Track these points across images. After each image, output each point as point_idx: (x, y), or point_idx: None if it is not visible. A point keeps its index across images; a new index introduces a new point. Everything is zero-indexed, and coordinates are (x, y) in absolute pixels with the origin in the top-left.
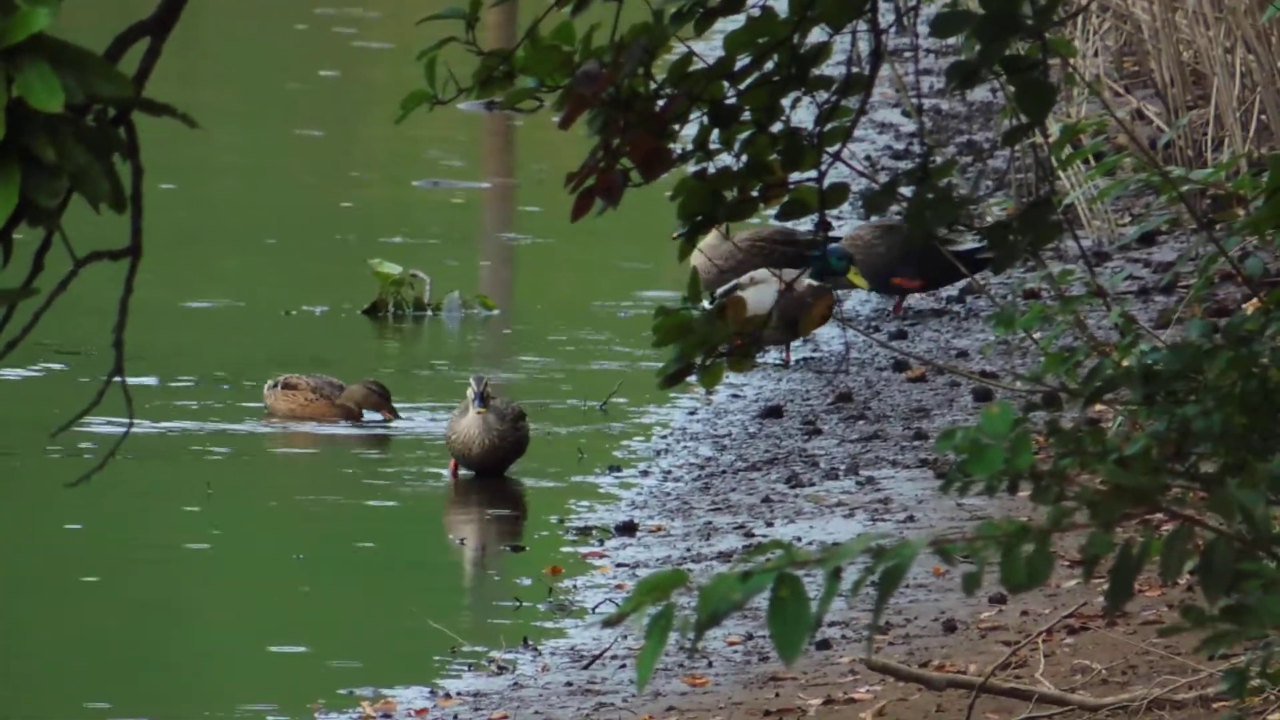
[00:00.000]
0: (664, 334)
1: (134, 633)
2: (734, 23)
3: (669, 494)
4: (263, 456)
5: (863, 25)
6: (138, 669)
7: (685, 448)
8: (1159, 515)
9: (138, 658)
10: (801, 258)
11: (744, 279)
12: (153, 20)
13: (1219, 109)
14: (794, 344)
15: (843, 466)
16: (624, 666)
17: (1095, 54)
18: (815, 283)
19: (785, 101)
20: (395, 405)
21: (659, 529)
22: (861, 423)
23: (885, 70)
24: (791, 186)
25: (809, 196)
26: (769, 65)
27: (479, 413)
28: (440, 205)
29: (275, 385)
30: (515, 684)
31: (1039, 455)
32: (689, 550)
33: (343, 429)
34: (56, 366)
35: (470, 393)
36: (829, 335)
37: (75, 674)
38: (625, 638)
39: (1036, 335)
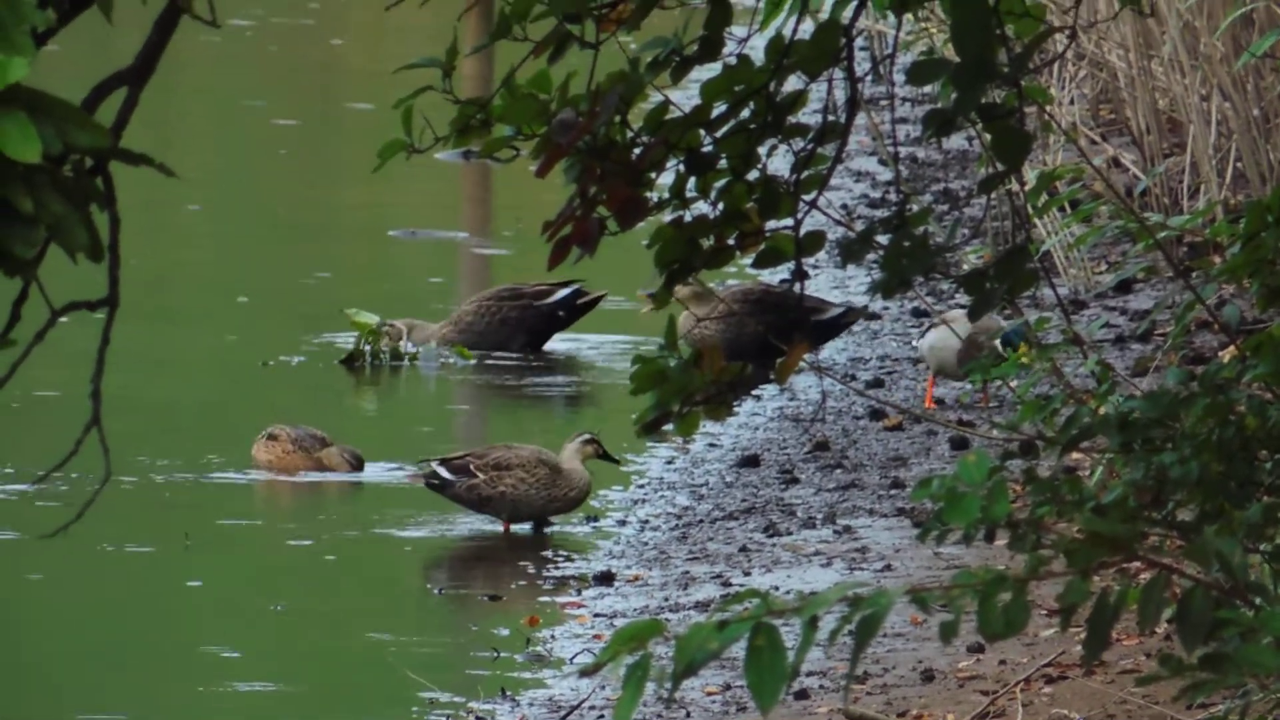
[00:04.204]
0: (641, 382)
1: (107, 682)
2: (710, 71)
3: (646, 543)
4: (240, 507)
5: (839, 73)
6: (105, 714)
7: (662, 497)
8: (1136, 563)
9: (106, 705)
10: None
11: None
12: (130, 70)
13: (1195, 156)
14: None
15: (820, 515)
16: (602, 717)
17: (1071, 101)
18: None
19: (761, 149)
20: (375, 457)
21: (637, 578)
22: (839, 471)
23: (861, 118)
24: (768, 234)
25: (785, 244)
26: (745, 113)
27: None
28: (417, 254)
29: (263, 435)
30: None
31: (1016, 503)
32: (666, 600)
33: (320, 478)
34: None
35: (594, 449)
36: (806, 384)
37: (53, 711)
38: (603, 688)
39: (1013, 383)
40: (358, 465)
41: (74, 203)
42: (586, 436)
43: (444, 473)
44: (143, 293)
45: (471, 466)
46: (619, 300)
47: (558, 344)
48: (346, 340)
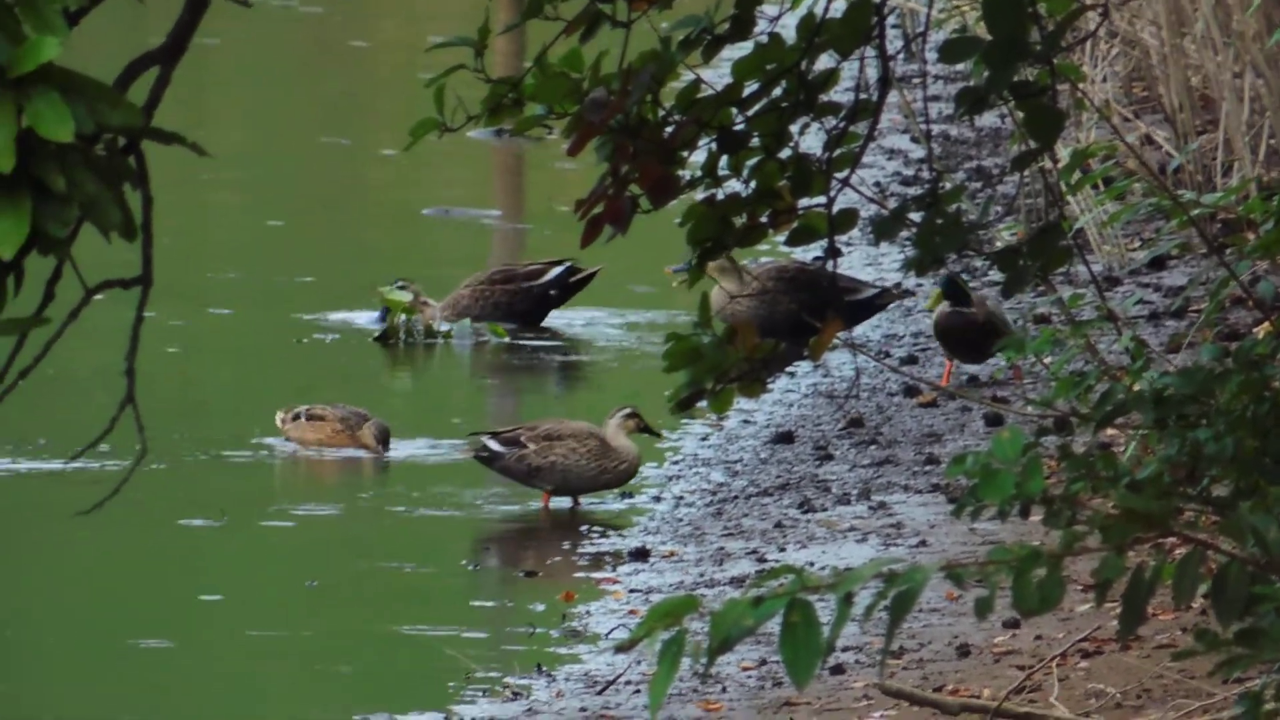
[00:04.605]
0: (675, 359)
1: (141, 658)
2: (742, 50)
3: (681, 519)
4: (275, 484)
5: (871, 51)
6: (145, 693)
7: (697, 473)
8: (1171, 539)
9: (146, 684)
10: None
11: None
12: (162, 49)
13: (1228, 134)
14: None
15: (854, 492)
16: (638, 692)
17: (1104, 79)
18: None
19: (794, 128)
20: (410, 434)
21: (672, 554)
22: (873, 448)
23: (894, 96)
24: (800, 212)
25: (818, 222)
26: (777, 91)
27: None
28: (450, 232)
29: (298, 415)
30: (529, 709)
31: (1050, 479)
32: (702, 575)
33: (356, 455)
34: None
35: (636, 423)
36: (840, 361)
37: (93, 694)
38: (639, 663)
39: (1048, 360)
40: (383, 440)
41: (107, 182)
42: (628, 410)
43: (494, 445)
44: (176, 271)
45: (522, 438)
46: (648, 279)
47: (589, 322)
48: (380, 318)
